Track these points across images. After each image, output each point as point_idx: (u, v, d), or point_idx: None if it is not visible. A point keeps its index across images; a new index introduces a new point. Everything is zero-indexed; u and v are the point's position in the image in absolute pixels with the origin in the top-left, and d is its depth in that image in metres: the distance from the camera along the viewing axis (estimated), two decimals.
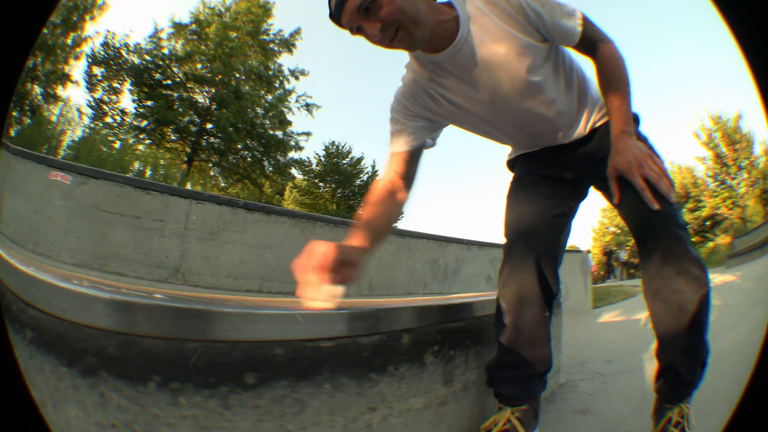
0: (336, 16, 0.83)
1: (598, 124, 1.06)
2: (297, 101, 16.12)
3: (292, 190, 18.55)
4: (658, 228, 0.88)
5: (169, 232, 3.08)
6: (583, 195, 1.15)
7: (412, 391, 0.77)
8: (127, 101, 14.04)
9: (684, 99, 40.36)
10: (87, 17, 12.71)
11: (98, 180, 2.92)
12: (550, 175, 1.09)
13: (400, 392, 0.74)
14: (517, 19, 0.88)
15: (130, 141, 13.23)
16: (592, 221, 28.84)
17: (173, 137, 14.26)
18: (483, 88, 0.94)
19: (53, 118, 11.64)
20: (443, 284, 4.27)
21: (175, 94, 14.37)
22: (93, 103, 13.44)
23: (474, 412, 1.03)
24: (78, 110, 13.02)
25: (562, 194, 1.09)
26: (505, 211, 1.12)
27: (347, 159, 18.71)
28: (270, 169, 16.30)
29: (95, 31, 13.14)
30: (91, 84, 13.55)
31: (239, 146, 14.83)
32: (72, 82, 12.73)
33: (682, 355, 0.90)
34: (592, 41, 0.95)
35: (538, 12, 0.88)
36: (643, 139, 0.99)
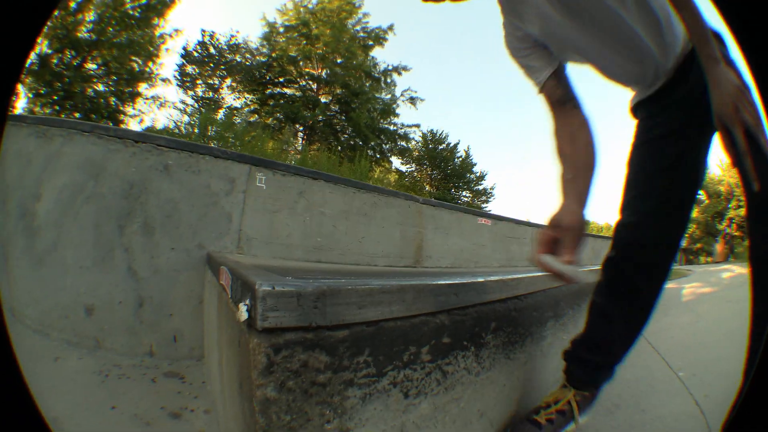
0: None
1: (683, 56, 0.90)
2: (402, 95, 18.08)
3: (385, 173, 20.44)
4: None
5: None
6: (708, 141, 0.92)
7: None
8: (228, 98, 15.53)
9: None
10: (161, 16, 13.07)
11: (502, 221, 5.14)
12: (670, 134, 0.94)
13: None
14: None
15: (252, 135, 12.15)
16: None
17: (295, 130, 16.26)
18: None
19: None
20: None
21: (296, 93, 16.34)
22: (197, 100, 14.76)
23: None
24: (175, 107, 14.25)
25: (685, 161, 0.93)
26: (628, 186, 1.01)
27: (443, 144, 20.42)
28: (377, 156, 18.43)
29: (173, 29, 13.73)
30: (183, 82, 14.82)
31: (359, 141, 16.96)
32: (162, 80, 13.73)
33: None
34: None
35: None
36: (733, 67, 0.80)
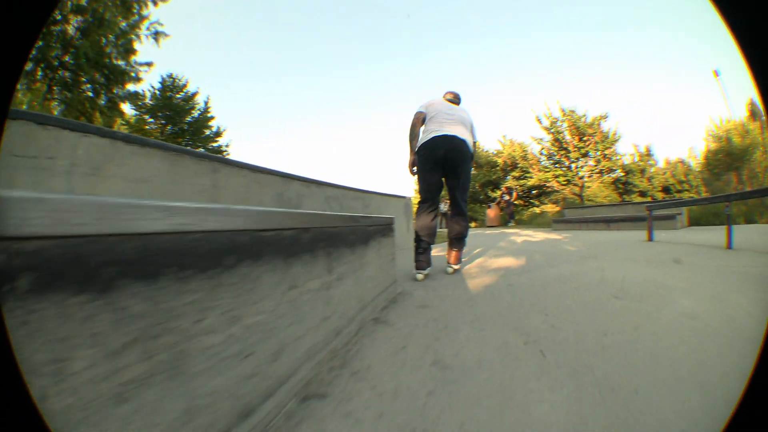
0: None
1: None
2: (148, 29, 15.03)
3: (120, 126, 17.44)
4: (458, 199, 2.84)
5: None
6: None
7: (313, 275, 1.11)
8: None
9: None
10: None
11: None
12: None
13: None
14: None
15: None
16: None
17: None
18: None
19: None
20: None
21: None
22: None
23: (352, 294, 1.43)
24: None
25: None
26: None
27: (182, 93, 18.42)
28: (104, 103, 15.59)
29: None
30: None
31: (84, 80, 14.25)
32: None
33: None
34: None
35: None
36: None
